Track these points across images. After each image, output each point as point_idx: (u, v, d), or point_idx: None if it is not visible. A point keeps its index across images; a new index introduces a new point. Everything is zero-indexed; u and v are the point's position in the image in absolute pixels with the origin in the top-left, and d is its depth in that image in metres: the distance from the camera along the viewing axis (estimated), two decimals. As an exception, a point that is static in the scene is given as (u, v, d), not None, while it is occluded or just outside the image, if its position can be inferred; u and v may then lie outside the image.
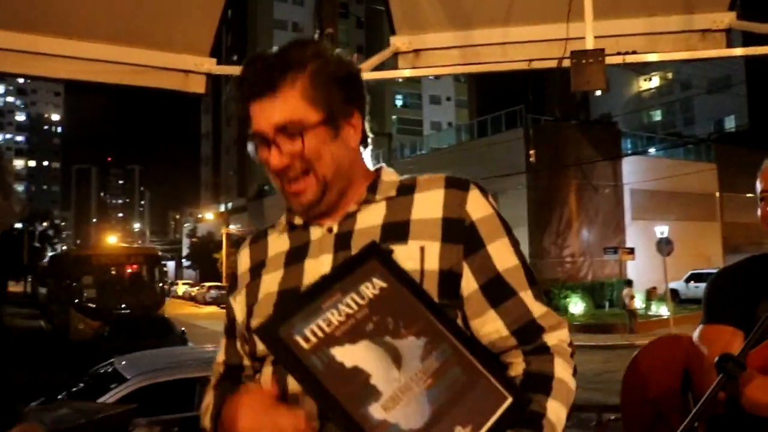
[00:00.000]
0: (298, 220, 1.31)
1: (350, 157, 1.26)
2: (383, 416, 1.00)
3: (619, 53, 2.97)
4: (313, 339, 1.04)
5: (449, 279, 1.19)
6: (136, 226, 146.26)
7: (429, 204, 1.23)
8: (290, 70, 1.20)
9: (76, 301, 19.53)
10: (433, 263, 1.18)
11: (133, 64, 3.21)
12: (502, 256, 1.21)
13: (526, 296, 1.20)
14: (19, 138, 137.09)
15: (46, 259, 34.60)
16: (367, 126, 1.31)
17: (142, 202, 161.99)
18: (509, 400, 1.05)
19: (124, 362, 6.44)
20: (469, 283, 1.20)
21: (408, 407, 1.01)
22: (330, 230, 1.26)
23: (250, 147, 1.28)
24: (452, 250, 1.20)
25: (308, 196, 1.23)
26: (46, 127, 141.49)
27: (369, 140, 1.33)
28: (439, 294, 1.16)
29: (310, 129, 1.20)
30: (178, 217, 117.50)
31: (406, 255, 1.18)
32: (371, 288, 1.10)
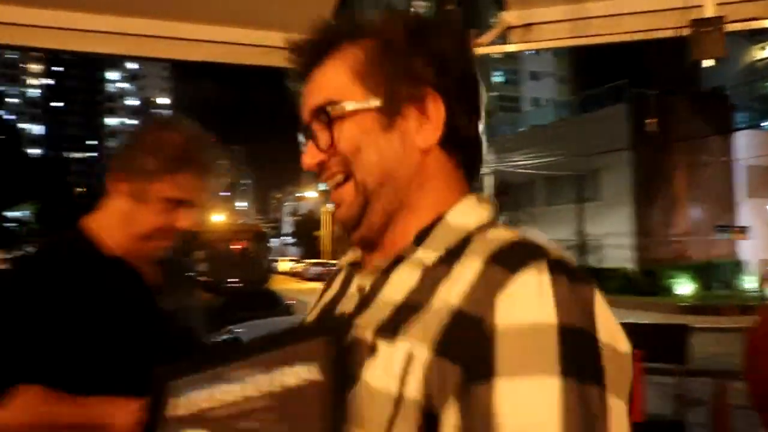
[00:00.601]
0: (358, 255, 0.95)
1: (410, 162, 0.86)
2: None
3: (739, 20, 2.91)
4: (185, 408, 0.82)
5: (431, 422, 0.72)
6: (240, 204, 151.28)
7: (457, 282, 0.77)
8: (346, 38, 0.89)
9: (190, 275, 20.48)
10: (415, 386, 0.73)
11: (255, 45, 3.40)
12: (522, 411, 0.67)
13: None
14: (132, 122, 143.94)
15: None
16: (463, 122, 0.89)
17: (245, 182, 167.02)
18: None
19: (242, 330, 6.78)
20: None
21: None
22: (362, 288, 0.88)
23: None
24: (444, 371, 0.72)
25: (342, 211, 0.89)
26: (155, 111, 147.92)
27: (465, 143, 0.90)
28: None
29: (351, 112, 0.86)
30: (279, 196, 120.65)
31: (384, 363, 0.76)
32: (296, 376, 0.76)
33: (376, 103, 0.86)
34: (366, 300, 0.85)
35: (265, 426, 0.76)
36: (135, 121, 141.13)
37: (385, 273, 0.85)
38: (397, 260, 0.84)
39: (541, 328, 0.69)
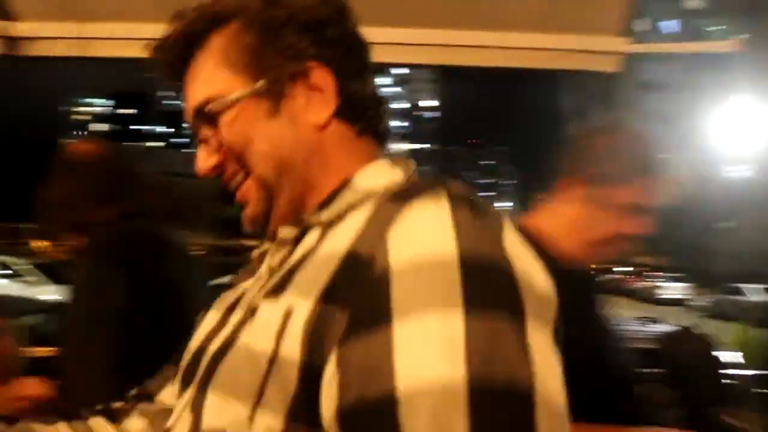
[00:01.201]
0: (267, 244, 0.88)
1: (305, 142, 0.79)
2: None
3: None
4: None
5: (311, 380, 0.63)
6: (504, 205, 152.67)
7: (348, 227, 0.70)
8: (210, 27, 0.81)
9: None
10: (292, 342, 0.64)
11: (550, 49, 3.25)
12: (420, 356, 0.56)
13: None
14: (401, 124, 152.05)
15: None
16: (356, 87, 0.82)
17: (508, 183, 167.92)
18: None
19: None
20: (328, 400, 0.61)
21: None
22: (272, 267, 0.80)
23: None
24: (331, 319, 0.63)
25: (249, 211, 0.82)
26: (423, 114, 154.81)
27: (364, 108, 0.83)
28: (292, 414, 0.64)
29: (231, 104, 0.79)
30: (542, 196, 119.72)
31: (262, 323, 0.70)
32: None
33: (255, 89, 0.79)
34: (271, 273, 0.78)
35: None
36: (401, 123, 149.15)
37: (294, 245, 0.78)
38: (304, 230, 0.78)
39: (440, 260, 0.60)
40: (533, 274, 0.64)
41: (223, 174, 0.83)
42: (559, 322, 0.66)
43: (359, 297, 0.61)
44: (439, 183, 0.68)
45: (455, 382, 0.54)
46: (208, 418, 0.69)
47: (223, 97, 0.79)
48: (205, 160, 0.83)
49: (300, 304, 0.66)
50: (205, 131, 0.82)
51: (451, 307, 0.57)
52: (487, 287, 0.59)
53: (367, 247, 0.64)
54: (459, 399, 0.53)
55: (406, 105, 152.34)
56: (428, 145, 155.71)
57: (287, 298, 0.68)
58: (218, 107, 0.79)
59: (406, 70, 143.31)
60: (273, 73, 0.79)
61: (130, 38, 2.91)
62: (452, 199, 0.64)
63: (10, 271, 14.97)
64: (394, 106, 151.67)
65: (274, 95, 0.79)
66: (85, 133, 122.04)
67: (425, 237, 0.62)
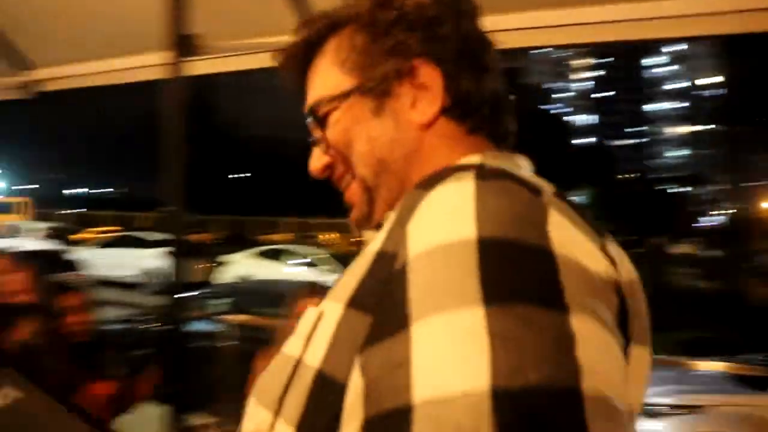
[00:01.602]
0: None
1: (407, 142, 0.76)
2: None
3: None
4: None
5: (325, 391, 0.58)
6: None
7: (384, 227, 0.66)
8: (328, 32, 0.82)
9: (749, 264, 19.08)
10: (315, 350, 0.62)
11: None
12: (440, 363, 0.48)
13: None
14: (678, 105, 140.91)
15: (709, 222, 35.17)
16: (469, 84, 0.76)
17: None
18: None
19: None
20: (351, 414, 0.54)
21: None
22: None
23: None
24: (356, 326, 0.58)
25: (354, 214, 0.82)
26: (703, 93, 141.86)
27: (476, 105, 0.76)
28: (302, 427, 0.59)
29: (337, 104, 0.79)
30: None
31: (300, 327, 0.67)
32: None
33: (359, 86, 0.77)
34: None
35: None
36: (679, 104, 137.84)
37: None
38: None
39: (457, 246, 0.52)
40: (585, 259, 0.54)
41: (333, 175, 0.83)
42: (630, 313, 0.59)
43: (381, 299, 0.56)
44: (476, 164, 0.63)
45: (478, 391, 0.45)
46: (245, 424, 0.67)
47: (330, 95, 0.79)
48: (317, 160, 0.83)
49: (331, 308, 0.63)
50: (317, 132, 0.82)
51: (468, 303, 0.49)
52: (513, 274, 0.50)
53: (393, 243, 0.60)
54: (483, 411, 0.44)
55: (685, 84, 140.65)
56: (711, 126, 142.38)
57: (325, 302, 0.66)
58: (326, 107, 0.79)
59: (682, 46, 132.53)
60: (379, 70, 0.77)
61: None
62: (481, 177, 0.58)
63: (307, 260, 16.88)
64: (671, 86, 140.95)
65: (378, 94, 0.77)
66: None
67: (441, 222, 0.55)
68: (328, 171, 0.83)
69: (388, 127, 0.76)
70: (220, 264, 17.45)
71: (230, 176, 57.83)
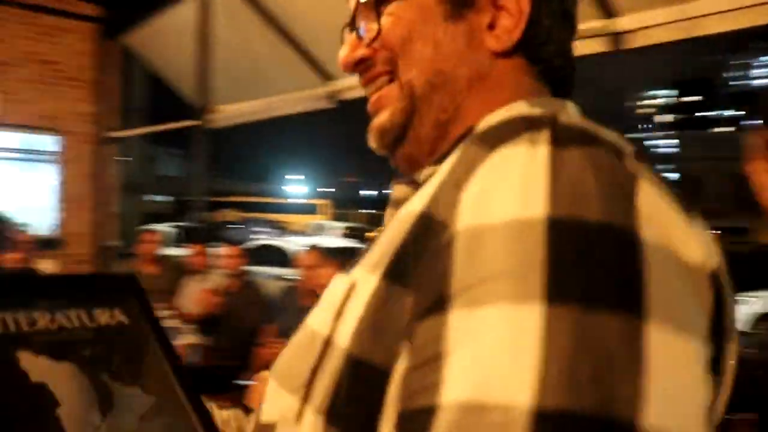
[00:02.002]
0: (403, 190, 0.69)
1: (475, 64, 0.64)
2: None
3: None
4: (1, 328, 0.76)
5: (358, 379, 0.49)
6: None
7: (431, 184, 0.55)
8: None
9: None
10: (346, 328, 0.52)
11: None
12: (472, 362, 0.40)
13: None
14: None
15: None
16: (554, 26, 0.64)
17: None
18: None
19: None
20: (392, 407, 0.47)
21: None
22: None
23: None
24: (395, 303, 0.49)
25: (381, 120, 0.67)
26: None
27: (553, 53, 0.64)
28: (331, 417, 0.50)
29: None
30: None
31: (327, 300, 0.57)
32: (107, 316, 0.83)
33: None
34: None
35: (98, 354, 0.79)
36: None
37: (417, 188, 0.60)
38: (425, 179, 0.61)
39: (523, 225, 0.43)
40: (681, 245, 0.45)
41: (366, 71, 0.69)
42: (726, 320, 0.48)
43: (424, 275, 0.48)
44: (550, 120, 0.50)
45: (520, 407, 0.38)
46: (266, 409, 0.60)
47: None
48: (352, 50, 0.69)
49: (365, 279, 0.54)
50: (367, 17, 0.68)
51: (526, 299, 0.41)
52: (587, 267, 0.41)
53: (443, 207, 0.50)
54: (523, 429, 0.38)
55: None
56: None
57: (357, 270, 0.56)
58: None
59: None
60: None
61: (737, 8, 2.81)
62: (557, 141, 0.47)
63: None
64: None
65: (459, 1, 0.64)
66: (651, 126, 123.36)
67: (506, 194, 0.46)
68: (361, 66, 0.70)
69: (459, 38, 0.65)
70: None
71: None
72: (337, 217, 31.75)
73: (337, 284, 0.58)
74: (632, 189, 0.45)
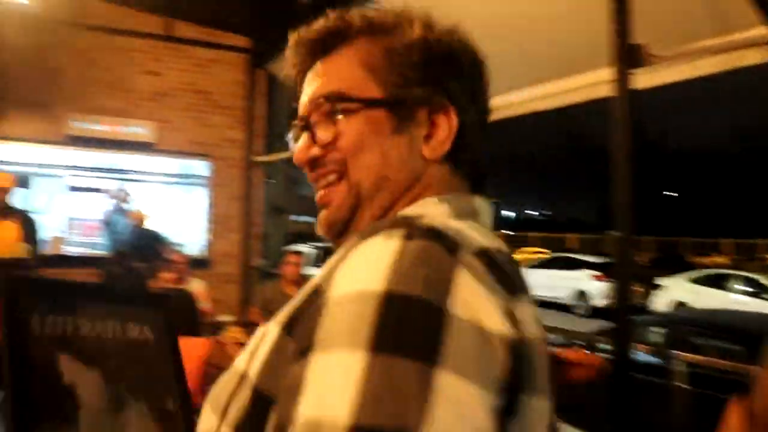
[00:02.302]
0: None
1: (412, 170, 0.80)
2: None
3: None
4: (50, 329, 0.87)
5: (258, 405, 0.67)
6: None
7: (330, 261, 0.70)
8: (360, 33, 0.82)
9: None
10: (255, 365, 0.70)
11: None
12: (324, 392, 0.56)
13: None
14: None
15: None
16: (475, 133, 0.83)
17: None
18: None
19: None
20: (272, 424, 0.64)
21: None
22: None
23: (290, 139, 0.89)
24: (284, 349, 0.67)
25: (330, 213, 0.82)
26: None
27: (475, 155, 0.83)
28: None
29: (360, 107, 0.79)
30: None
31: (249, 344, 0.75)
32: (137, 332, 0.95)
33: (387, 102, 0.79)
34: None
35: (125, 369, 0.90)
36: None
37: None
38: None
39: (363, 296, 0.58)
40: (484, 321, 0.58)
41: (316, 169, 0.83)
42: (531, 367, 0.62)
43: (303, 330, 0.63)
44: (414, 221, 0.66)
45: (340, 422, 0.52)
46: (199, 426, 0.73)
47: (355, 98, 0.79)
48: (306, 149, 0.83)
49: (272, 329, 0.70)
50: (319, 121, 0.82)
51: (354, 347, 0.55)
52: (401, 328, 0.56)
53: (326, 281, 0.65)
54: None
55: None
56: None
57: (271, 322, 0.71)
58: (346, 105, 0.79)
59: None
60: (410, 94, 0.79)
61: None
62: (407, 237, 0.62)
63: (752, 289, 14.86)
64: None
65: (402, 114, 0.79)
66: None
67: (359, 273, 0.61)
68: (312, 164, 0.83)
69: (402, 147, 0.79)
70: (657, 288, 16.47)
71: (664, 193, 55.09)
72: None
73: (257, 332, 0.74)
74: (451, 276, 0.59)
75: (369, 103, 0.79)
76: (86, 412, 0.86)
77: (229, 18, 7.88)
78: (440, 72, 0.81)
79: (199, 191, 8.21)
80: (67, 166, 8.16)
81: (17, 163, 7.76)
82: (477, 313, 0.58)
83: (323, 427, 0.53)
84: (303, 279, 5.90)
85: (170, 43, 7.69)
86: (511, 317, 0.61)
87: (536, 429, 0.64)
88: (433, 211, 0.75)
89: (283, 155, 8.35)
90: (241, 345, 4.83)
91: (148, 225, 7.54)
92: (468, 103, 0.82)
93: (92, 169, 8.19)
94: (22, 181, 7.70)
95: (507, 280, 0.64)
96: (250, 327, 5.71)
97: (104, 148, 7.81)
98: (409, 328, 0.56)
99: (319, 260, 12.73)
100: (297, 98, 0.88)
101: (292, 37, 0.87)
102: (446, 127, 0.80)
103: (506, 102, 4.25)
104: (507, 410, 0.59)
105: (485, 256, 0.64)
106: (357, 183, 0.79)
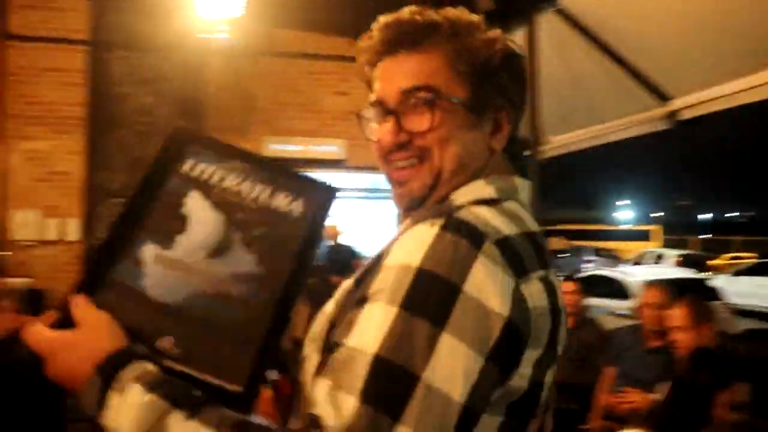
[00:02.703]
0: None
1: (482, 158, 0.99)
2: (151, 256, 0.90)
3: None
4: (195, 172, 0.98)
5: (329, 329, 0.91)
6: None
7: (395, 234, 0.95)
8: (443, 30, 0.96)
9: None
10: (331, 308, 0.94)
11: None
12: (365, 329, 0.78)
13: (325, 386, 0.77)
14: None
15: None
16: (517, 131, 1.04)
17: None
18: (239, 389, 0.84)
19: None
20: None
21: (175, 281, 0.90)
22: None
23: (364, 121, 1.06)
24: (351, 296, 0.90)
25: (412, 189, 0.98)
26: None
27: (519, 147, 1.05)
28: (323, 350, 0.90)
29: (450, 104, 0.95)
30: None
31: (335, 296, 0.98)
32: (285, 202, 0.97)
33: (467, 103, 0.96)
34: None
35: (250, 223, 0.94)
36: None
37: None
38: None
39: (405, 268, 0.79)
40: (489, 300, 0.77)
41: (400, 152, 0.97)
42: (517, 343, 0.80)
43: (365, 283, 0.85)
44: (452, 214, 0.84)
45: (369, 351, 0.75)
46: (301, 356, 0.95)
47: (447, 94, 0.94)
48: (395, 135, 0.97)
49: (348, 282, 0.94)
50: (408, 111, 0.96)
51: (391, 303, 0.77)
52: (424, 296, 0.77)
53: (386, 251, 0.87)
54: (367, 362, 0.74)
55: None
56: None
57: (350, 279, 0.95)
58: (434, 98, 0.94)
59: None
60: (486, 98, 0.97)
61: None
62: (444, 227, 0.81)
63: None
64: None
65: (478, 114, 0.98)
66: None
67: (407, 249, 0.82)
68: (397, 148, 0.97)
69: (478, 141, 0.99)
70: None
71: None
72: (669, 244, 29.53)
73: (343, 284, 0.97)
74: (471, 263, 0.78)
75: (452, 99, 0.95)
76: (185, 239, 0.92)
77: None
78: (504, 77, 0.99)
79: (389, 204, 8.36)
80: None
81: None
82: (484, 293, 0.77)
83: (357, 352, 0.76)
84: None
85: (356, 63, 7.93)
86: (517, 296, 0.80)
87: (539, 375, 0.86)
88: (480, 194, 0.93)
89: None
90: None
91: (342, 240, 7.82)
92: (519, 102, 1.02)
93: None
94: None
95: (518, 264, 0.82)
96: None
97: (298, 167, 8.21)
98: (430, 297, 0.76)
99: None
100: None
101: (382, 21, 0.98)
102: (506, 125, 1.01)
103: (703, 97, 3.93)
104: (510, 365, 0.80)
105: (503, 244, 0.82)
106: (440, 168, 0.96)
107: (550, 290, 0.87)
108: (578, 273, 11.14)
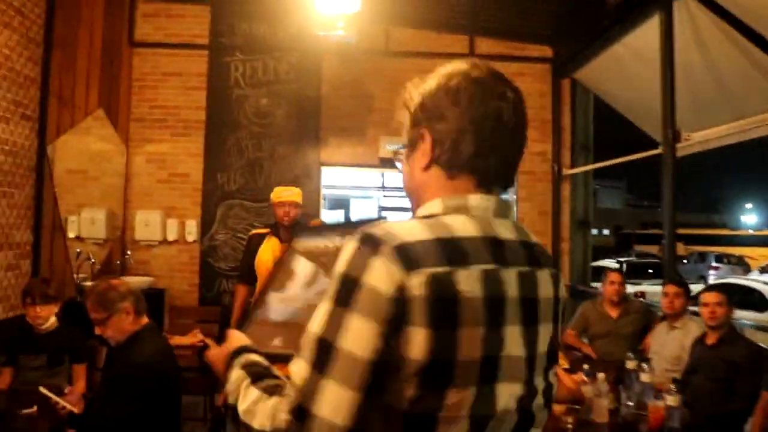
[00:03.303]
0: None
1: (416, 178, 1.25)
2: (274, 298, 1.69)
3: None
4: (300, 246, 1.85)
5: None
6: None
7: None
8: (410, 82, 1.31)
9: None
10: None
11: None
12: (314, 319, 1.09)
13: (297, 357, 1.11)
14: None
15: None
16: (441, 145, 1.20)
17: None
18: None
19: None
20: None
21: (285, 307, 1.65)
22: None
23: None
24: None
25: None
26: None
27: (457, 161, 1.20)
28: None
29: (400, 151, 1.32)
30: None
31: None
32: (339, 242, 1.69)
33: (407, 141, 1.27)
34: None
35: (328, 263, 1.59)
36: None
37: None
38: None
39: (335, 273, 1.06)
40: (378, 287, 1.01)
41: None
42: (401, 315, 1.01)
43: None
44: (368, 229, 1.09)
45: (315, 333, 1.04)
46: None
47: (405, 141, 1.28)
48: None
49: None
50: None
51: (328, 299, 1.05)
52: (343, 292, 1.03)
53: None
54: (312, 340, 1.04)
55: None
56: None
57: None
58: (403, 149, 1.30)
59: None
60: (414, 136, 1.24)
61: None
62: (357, 240, 1.07)
63: None
64: None
65: (412, 147, 1.25)
66: None
67: (339, 260, 1.07)
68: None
69: (413, 168, 1.25)
70: None
71: None
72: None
73: None
74: (369, 262, 1.02)
75: (402, 147, 1.31)
76: (292, 283, 1.63)
77: (529, 29, 7.70)
78: (421, 118, 1.23)
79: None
80: (378, 187, 8.60)
81: (337, 187, 8.35)
82: (376, 281, 1.02)
83: (310, 335, 1.05)
84: (624, 299, 5.42)
85: (479, 59, 7.69)
86: (400, 284, 1.01)
87: (467, 351, 1.04)
88: (426, 211, 1.19)
89: (593, 166, 7.89)
90: (566, 370, 4.52)
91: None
92: (438, 129, 1.20)
93: (401, 189, 8.54)
94: (343, 203, 8.23)
95: (409, 262, 1.02)
96: (568, 351, 5.37)
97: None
98: (344, 290, 1.03)
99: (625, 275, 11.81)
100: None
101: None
102: (426, 147, 1.22)
103: None
104: (398, 330, 1.00)
105: (398, 247, 1.04)
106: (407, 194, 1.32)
107: (493, 281, 1.08)
108: (705, 281, 10.34)
